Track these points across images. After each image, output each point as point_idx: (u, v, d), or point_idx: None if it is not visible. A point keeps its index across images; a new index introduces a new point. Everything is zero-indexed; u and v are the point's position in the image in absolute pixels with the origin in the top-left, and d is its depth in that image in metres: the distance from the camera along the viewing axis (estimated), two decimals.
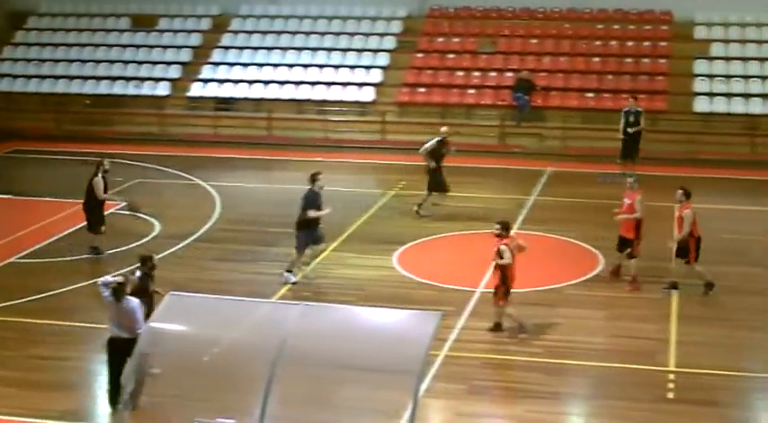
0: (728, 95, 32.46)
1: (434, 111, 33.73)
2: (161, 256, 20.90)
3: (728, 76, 32.98)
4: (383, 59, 35.58)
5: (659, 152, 30.09)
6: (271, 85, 34.99)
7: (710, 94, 32.51)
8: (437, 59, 35.35)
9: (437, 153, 24.26)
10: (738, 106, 32.16)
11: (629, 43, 34.77)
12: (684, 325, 17.94)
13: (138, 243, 21.96)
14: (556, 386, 15.72)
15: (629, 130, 28.13)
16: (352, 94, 34.43)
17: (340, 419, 13.90)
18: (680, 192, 19.26)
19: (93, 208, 21.41)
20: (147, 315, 14.18)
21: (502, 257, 16.94)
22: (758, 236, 22.65)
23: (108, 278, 14.78)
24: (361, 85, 34.61)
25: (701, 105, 32.25)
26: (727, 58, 33.67)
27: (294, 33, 36.91)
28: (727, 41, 34.30)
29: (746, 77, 32.93)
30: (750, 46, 34.10)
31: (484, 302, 18.55)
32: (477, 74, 34.58)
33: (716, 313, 18.61)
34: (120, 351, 13.92)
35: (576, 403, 15.63)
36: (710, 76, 33.09)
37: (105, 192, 21.33)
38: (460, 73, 34.66)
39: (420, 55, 35.63)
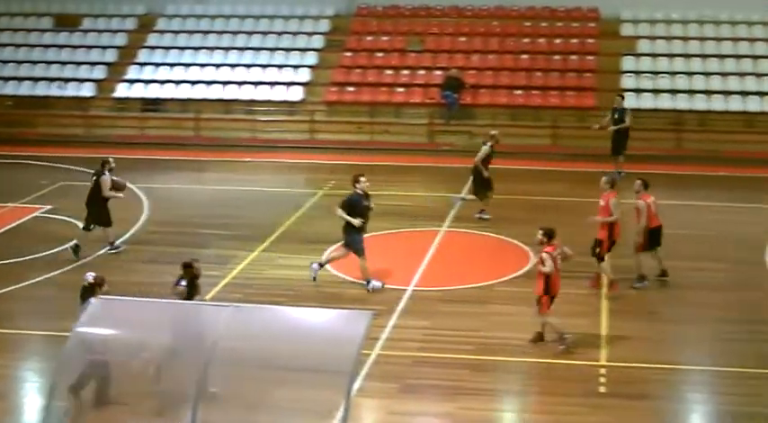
0: (655, 91, 32.79)
1: (363, 110, 33.64)
2: (87, 259, 20.73)
3: (655, 73, 33.31)
4: (311, 59, 35.40)
5: (587, 149, 30.32)
6: (198, 85, 34.64)
7: (637, 91, 32.81)
8: (366, 58, 35.26)
9: (490, 158, 23.93)
10: (665, 102, 32.49)
11: (558, 40, 34.99)
12: (615, 320, 18.02)
13: (62, 247, 21.54)
14: (488, 383, 15.72)
15: (613, 127, 28.30)
16: (280, 94, 34.19)
17: (272, 421, 13.72)
18: (638, 182, 19.45)
19: (100, 206, 21.38)
20: None
21: (544, 265, 16.53)
22: (685, 230, 22.82)
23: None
24: (289, 84, 34.38)
25: (628, 101, 32.42)
26: (654, 55, 34.01)
27: (221, 33, 36.61)
28: (653, 38, 34.66)
29: (673, 74, 33.26)
30: (676, 43, 34.48)
31: (415, 300, 18.51)
32: (405, 72, 34.55)
33: (645, 307, 18.73)
34: None
35: (509, 399, 15.63)
36: (637, 73, 33.39)
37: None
38: (389, 71, 34.60)
39: (348, 54, 35.51)
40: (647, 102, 32.51)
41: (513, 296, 19.17)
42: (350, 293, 19.23)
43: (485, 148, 23.77)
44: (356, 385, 14.12)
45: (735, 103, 32.09)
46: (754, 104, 31.85)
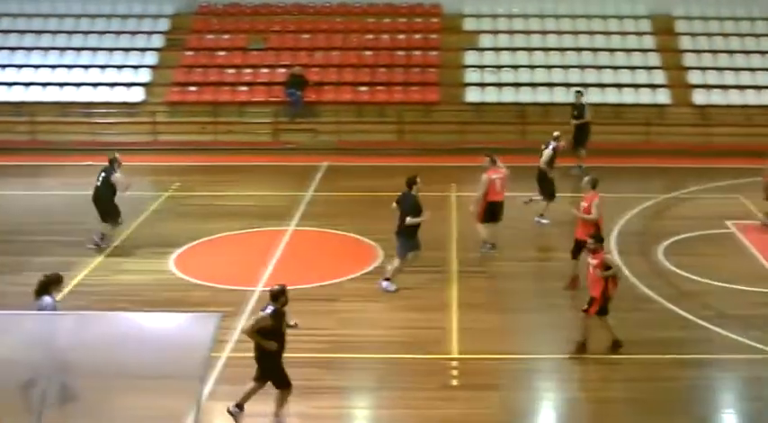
0: (498, 85, 33.14)
1: (206, 109, 33.05)
2: None
3: (498, 67, 33.66)
4: (151, 58, 34.60)
5: (433, 143, 30.49)
6: (32, 87, 33.45)
7: (481, 85, 33.12)
8: (207, 57, 34.65)
9: (554, 159, 23.53)
10: (508, 95, 32.88)
11: (400, 36, 35.07)
12: (465, 312, 18.08)
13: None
14: (340, 380, 15.54)
15: (574, 122, 28.58)
16: (120, 95, 33.30)
17: None
18: (487, 159, 20.10)
19: (112, 202, 21.40)
20: (279, 353, 13.68)
21: (609, 268, 16.14)
22: (529, 223, 23.14)
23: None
24: (129, 85, 33.52)
25: (472, 96, 32.83)
26: (496, 49, 34.38)
27: (56, 33, 35.43)
28: (495, 33, 35.04)
29: (515, 67, 33.68)
30: (518, 36, 34.90)
31: (263, 301, 18.14)
32: (248, 71, 34.11)
33: (494, 299, 18.85)
34: None
35: (362, 396, 15.46)
36: (481, 67, 33.71)
37: None
38: (231, 70, 34.10)
39: (189, 53, 34.85)
40: (491, 96, 32.83)
41: (363, 292, 19.04)
42: (196, 296, 18.80)
43: (547, 151, 23.38)
44: (206, 390, 13.76)
45: (563, 96, 32.64)
46: (595, 96, 32.47)
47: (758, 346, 16.69)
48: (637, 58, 34.03)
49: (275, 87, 33.25)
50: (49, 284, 14.14)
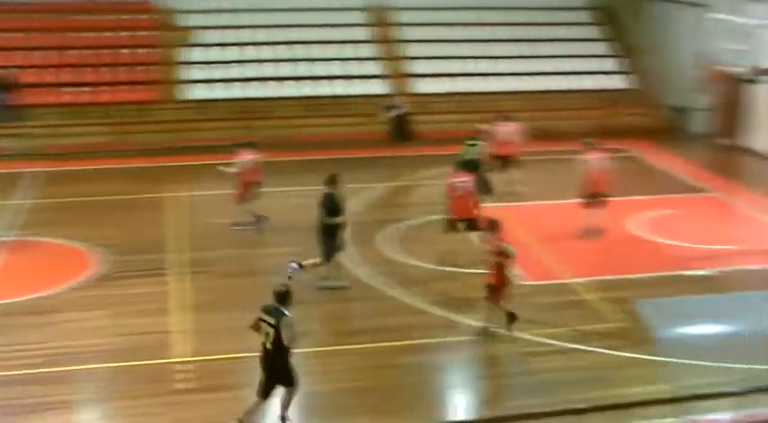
0: (217, 81, 32.61)
1: None
2: None
3: (216, 63, 33.09)
4: None
5: (153, 143, 29.69)
6: None
7: (197, 82, 32.49)
8: None
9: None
10: (229, 92, 32.37)
11: (108, 34, 33.87)
12: (192, 313, 17.66)
13: None
14: (64, 395, 14.73)
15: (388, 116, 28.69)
16: None
17: None
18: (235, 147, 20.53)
19: None
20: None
21: (506, 255, 16.14)
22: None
23: None
24: None
25: (192, 93, 32.15)
26: (208, 46, 33.79)
27: None
28: (208, 28, 34.42)
29: (232, 63, 33.22)
30: (232, 31, 34.41)
31: None
32: None
33: (217, 298, 18.49)
34: None
35: (89, 409, 14.70)
36: (197, 64, 33.05)
37: None
38: None
39: None
40: (207, 92, 32.27)
41: (83, 301, 18.22)
42: None
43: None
44: None
45: (292, 90, 32.60)
46: (308, 89, 32.54)
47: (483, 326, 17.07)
48: (356, 50, 34.32)
49: None
50: None
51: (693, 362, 12.77)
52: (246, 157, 21.99)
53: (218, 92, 32.39)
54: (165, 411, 14.27)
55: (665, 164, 28.52)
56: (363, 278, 19.33)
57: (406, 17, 35.98)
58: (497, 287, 16.42)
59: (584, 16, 37.06)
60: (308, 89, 32.67)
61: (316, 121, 31.90)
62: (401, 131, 29.06)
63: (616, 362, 15.83)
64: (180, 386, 14.99)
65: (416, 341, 16.58)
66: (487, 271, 16.53)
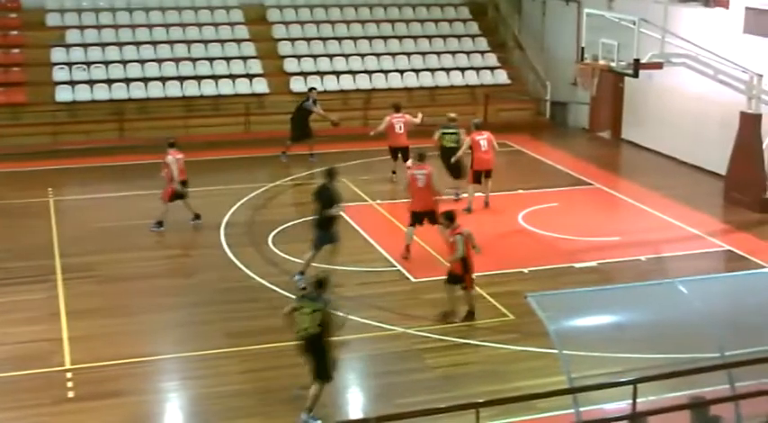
0: (90, 82, 31.80)
1: None
2: None
3: (88, 63, 32.23)
4: None
5: (24, 146, 28.79)
6: None
7: (72, 83, 31.64)
8: None
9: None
10: (102, 93, 31.61)
11: None
12: (75, 320, 17.15)
13: None
14: None
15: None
16: None
17: None
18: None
19: None
20: None
21: (456, 249, 16.62)
22: (130, 220, 22.43)
23: None
24: None
25: (62, 94, 31.29)
26: (85, 45, 32.91)
27: None
28: (82, 28, 33.51)
29: (107, 63, 32.44)
30: (107, 31, 33.51)
31: None
32: None
33: (103, 303, 18.02)
34: None
35: None
36: (69, 64, 32.19)
37: None
38: None
39: None
40: (84, 94, 31.44)
41: None
42: None
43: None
44: None
45: (173, 90, 32.03)
46: (192, 89, 32.04)
47: (374, 323, 17.04)
48: (233, 49, 33.87)
49: None
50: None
51: (586, 353, 12.87)
52: (176, 155, 21.73)
53: (97, 93, 31.47)
54: (58, 421, 13.89)
55: (547, 157, 28.86)
56: (256, 278, 19.06)
57: (286, 15, 35.66)
58: (459, 275, 16.91)
59: (465, 12, 37.26)
60: (190, 89, 32.06)
61: (194, 121, 31.39)
62: (301, 128, 28.41)
63: (509, 356, 15.95)
64: (67, 394, 14.57)
65: None
66: (448, 261, 17.15)
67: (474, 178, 23.19)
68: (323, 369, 13.78)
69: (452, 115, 24.77)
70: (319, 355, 13.75)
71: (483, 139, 23.10)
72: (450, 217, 16.91)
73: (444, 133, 24.13)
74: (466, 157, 23.32)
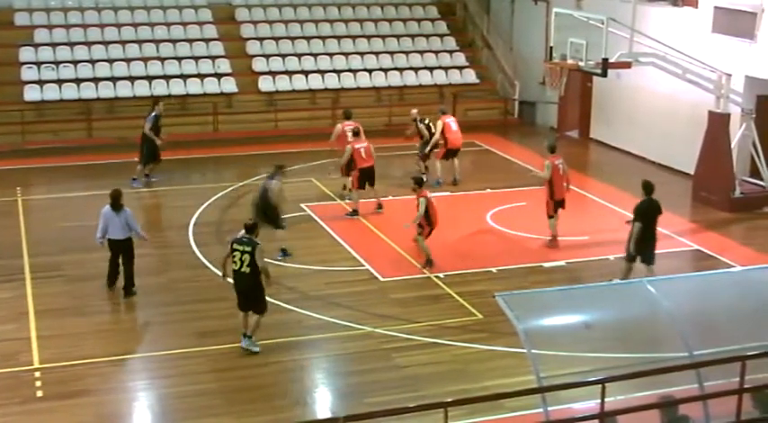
0: (59, 82, 31.58)
1: None
2: None
3: (56, 63, 32.03)
4: None
5: None
6: None
7: (40, 82, 31.40)
8: None
9: None
10: (70, 92, 31.40)
11: None
12: (44, 319, 17.09)
13: None
14: None
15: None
16: None
17: None
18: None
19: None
20: None
21: (418, 209, 19.30)
22: (98, 220, 22.26)
23: None
24: None
25: (30, 94, 31.07)
26: (54, 44, 32.70)
27: None
28: (51, 27, 33.27)
29: (75, 62, 32.26)
30: (75, 30, 33.33)
31: None
32: None
33: (70, 303, 17.94)
34: None
35: None
36: (38, 64, 31.96)
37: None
38: None
39: None
40: (53, 93, 31.23)
41: None
42: None
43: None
44: None
45: (141, 89, 31.84)
46: (162, 89, 31.88)
47: (342, 322, 17.03)
48: (201, 48, 33.74)
49: None
50: None
51: (555, 352, 12.91)
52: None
53: (65, 92, 31.27)
54: (27, 421, 13.84)
55: (516, 157, 28.93)
56: (219, 278, 18.99)
57: (254, 14, 35.57)
58: (423, 227, 19.49)
59: (433, 12, 37.28)
60: (158, 89, 31.86)
61: (162, 120, 31.14)
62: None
63: (478, 355, 15.98)
64: (36, 394, 14.51)
65: (277, 340, 16.36)
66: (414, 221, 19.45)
67: (445, 156, 25.42)
68: (259, 303, 15.76)
69: (414, 111, 26.14)
70: (252, 291, 15.63)
71: (452, 121, 25.55)
72: (419, 182, 19.66)
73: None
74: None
